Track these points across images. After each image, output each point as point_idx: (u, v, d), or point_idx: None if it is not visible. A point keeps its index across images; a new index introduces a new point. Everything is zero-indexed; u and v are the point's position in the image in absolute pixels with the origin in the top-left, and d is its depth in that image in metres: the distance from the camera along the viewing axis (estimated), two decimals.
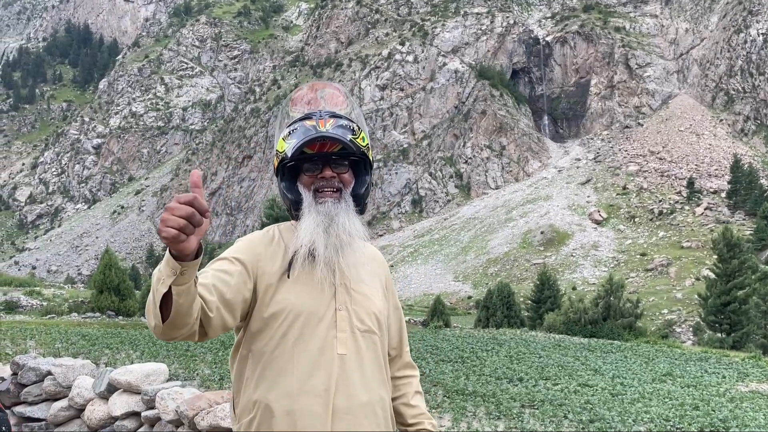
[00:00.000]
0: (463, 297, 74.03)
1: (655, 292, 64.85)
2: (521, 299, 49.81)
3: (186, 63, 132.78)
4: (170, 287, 1.34)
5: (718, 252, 36.18)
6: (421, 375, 8.04)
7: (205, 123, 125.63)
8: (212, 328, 1.51)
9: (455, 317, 54.21)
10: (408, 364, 1.89)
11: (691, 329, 47.67)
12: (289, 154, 1.67)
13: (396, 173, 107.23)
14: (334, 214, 1.66)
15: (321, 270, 1.64)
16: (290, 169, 1.72)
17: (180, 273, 1.33)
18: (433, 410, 6.95)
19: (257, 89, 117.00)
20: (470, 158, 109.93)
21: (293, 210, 1.71)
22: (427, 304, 51.35)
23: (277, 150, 1.72)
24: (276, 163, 1.74)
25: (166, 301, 1.36)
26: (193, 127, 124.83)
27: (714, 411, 7.84)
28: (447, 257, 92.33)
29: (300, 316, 1.62)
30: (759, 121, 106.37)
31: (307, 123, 1.67)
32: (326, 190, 1.68)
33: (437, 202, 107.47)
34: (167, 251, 1.32)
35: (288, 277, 1.64)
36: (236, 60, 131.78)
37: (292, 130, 1.68)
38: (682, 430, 6.62)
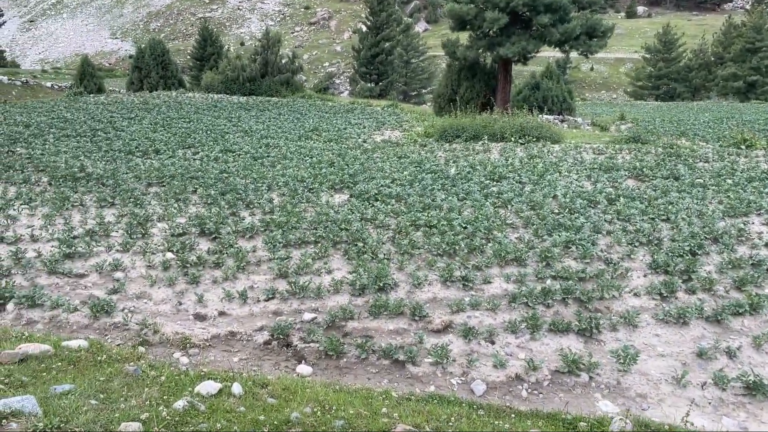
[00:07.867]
0: (123, 56, 66.89)
1: (318, 46, 67.41)
2: (188, 58, 46.78)
3: None
4: None
5: (369, 5, 37.92)
6: (26, 160, 6.18)
7: None
8: None
9: (113, 80, 49.54)
10: None
11: (348, 80, 51.48)
12: None
13: None
14: None
15: None
16: None
17: None
18: (25, 206, 5.61)
19: None
20: None
21: None
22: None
23: None
24: None
25: None
26: None
27: (347, 166, 8.08)
28: (100, 10, 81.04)
29: None
30: None
31: None
32: None
33: None
34: None
35: None
36: None
37: None
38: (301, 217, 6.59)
